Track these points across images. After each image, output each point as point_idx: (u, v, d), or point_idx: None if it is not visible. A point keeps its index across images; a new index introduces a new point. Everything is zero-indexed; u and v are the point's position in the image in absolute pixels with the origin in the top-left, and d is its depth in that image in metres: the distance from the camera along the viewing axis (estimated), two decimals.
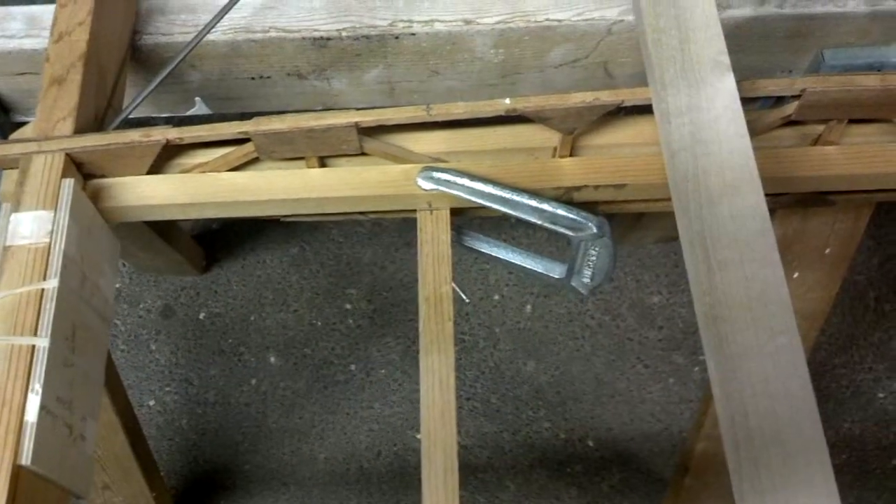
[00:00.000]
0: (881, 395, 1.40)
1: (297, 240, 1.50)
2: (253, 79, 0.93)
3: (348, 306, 1.46)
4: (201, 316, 1.46)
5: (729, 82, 0.70)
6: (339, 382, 1.42)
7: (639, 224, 1.38)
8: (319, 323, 1.45)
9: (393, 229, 1.51)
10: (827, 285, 0.99)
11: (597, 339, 1.43)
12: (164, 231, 1.26)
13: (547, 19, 0.88)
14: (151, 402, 1.42)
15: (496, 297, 1.46)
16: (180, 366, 1.44)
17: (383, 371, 1.43)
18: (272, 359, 1.44)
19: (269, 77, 0.93)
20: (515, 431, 1.39)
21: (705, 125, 0.68)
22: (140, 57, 0.90)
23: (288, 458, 1.38)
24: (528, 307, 1.45)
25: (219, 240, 1.50)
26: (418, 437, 1.38)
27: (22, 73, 0.90)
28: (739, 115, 0.68)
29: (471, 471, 1.37)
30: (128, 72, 0.89)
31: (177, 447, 1.40)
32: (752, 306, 0.63)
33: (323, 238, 1.50)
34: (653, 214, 1.33)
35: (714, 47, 0.71)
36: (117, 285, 1.47)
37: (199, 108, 0.96)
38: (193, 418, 1.41)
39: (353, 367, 1.43)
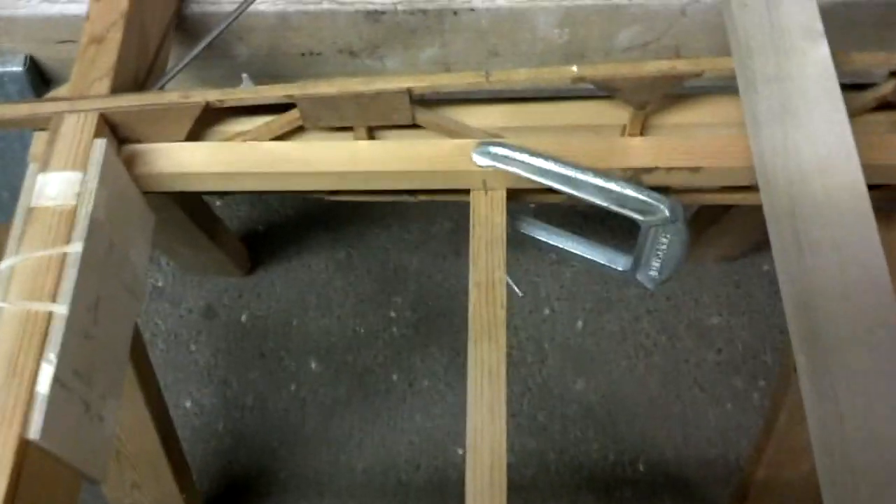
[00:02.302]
0: None
1: (343, 244, 1.43)
2: (303, 55, 0.86)
3: (393, 314, 1.39)
4: (243, 318, 1.39)
5: (823, 50, 0.61)
6: (381, 392, 1.34)
7: (700, 240, 1.29)
8: (363, 330, 1.38)
9: (442, 237, 1.43)
10: None
11: (651, 360, 1.34)
12: (209, 228, 1.20)
13: None
14: (188, 404, 1.35)
15: (546, 311, 1.37)
16: (219, 368, 1.37)
17: (426, 382, 1.34)
18: (313, 364, 1.36)
19: (319, 53, 0.86)
20: (562, 451, 1.30)
21: (796, 95, 0.60)
22: (186, 27, 0.84)
23: (325, 467, 1.30)
24: (580, 323, 1.36)
25: (264, 241, 1.44)
26: (460, 452, 1.29)
27: (64, 42, 0.84)
28: (834, 86, 0.60)
29: (514, 489, 1.27)
30: (173, 42, 0.83)
31: (211, 450, 1.32)
32: (849, 294, 0.54)
33: (370, 243, 1.43)
34: (713, 231, 1.25)
35: (806, 12, 0.63)
36: (160, 283, 1.41)
37: (246, 84, 0.90)
38: (230, 422, 1.34)
39: (395, 376, 1.35)
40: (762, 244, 1.36)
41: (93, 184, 0.66)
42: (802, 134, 0.59)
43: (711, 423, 1.30)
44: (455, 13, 0.81)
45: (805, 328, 0.55)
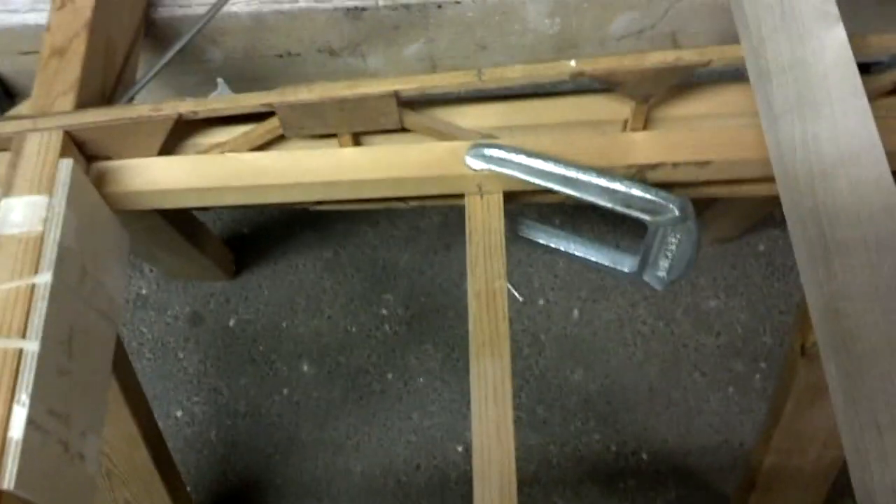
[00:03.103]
0: None
1: (330, 243, 1.37)
2: (280, 56, 0.80)
3: (385, 312, 1.33)
4: (231, 323, 1.34)
5: (839, 33, 0.56)
6: (376, 392, 1.29)
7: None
8: (354, 329, 1.32)
9: (431, 231, 1.37)
10: None
11: (650, 346, 1.29)
12: (191, 233, 1.14)
13: None
14: (179, 413, 1.29)
15: (541, 301, 1.32)
16: (209, 375, 1.31)
17: (422, 380, 1.29)
18: (305, 367, 1.31)
19: (297, 54, 0.80)
20: (563, 444, 1.25)
21: (814, 83, 0.55)
22: (155, 32, 0.78)
23: (322, 471, 1.25)
24: (576, 312, 1.31)
25: (249, 243, 1.38)
26: (460, 449, 1.24)
27: (26, 53, 0.78)
28: (853, 71, 0.55)
29: (517, 486, 1.23)
30: (142, 49, 0.77)
31: (205, 460, 1.27)
32: (883, 296, 0.49)
33: (358, 241, 1.38)
34: (711, 213, 1.20)
35: None
36: (144, 291, 1.35)
37: (222, 90, 0.84)
38: (223, 430, 1.28)
39: (389, 375, 1.30)
40: (757, 224, 1.31)
41: (60, 208, 0.60)
42: (823, 125, 0.53)
43: (713, 408, 1.26)
44: (439, 6, 0.75)
45: (835, 335, 0.50)
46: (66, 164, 0.61)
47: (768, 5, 0.58)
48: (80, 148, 0.65)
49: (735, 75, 0.64)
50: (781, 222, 1.31)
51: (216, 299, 1.35)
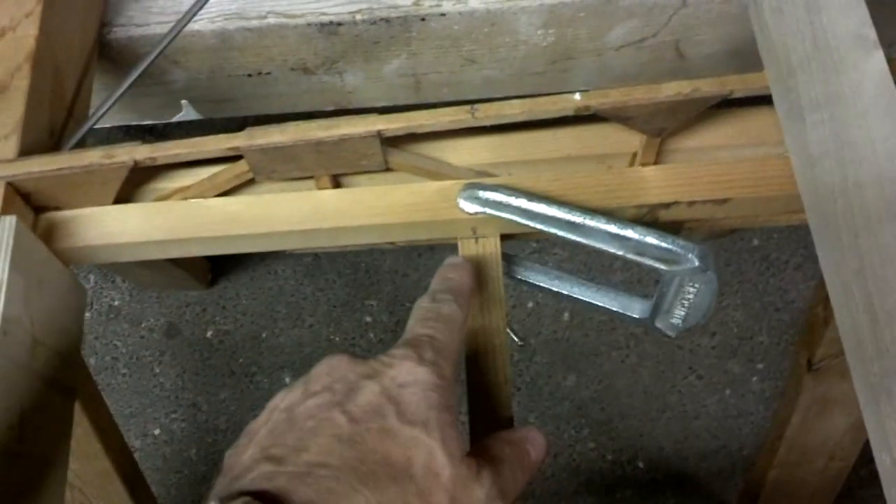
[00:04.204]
0: None
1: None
2: (250, 76, 0.72)
3: (368, 319, 1.26)
4: (209, 334, 1.26)
5: (878, 62, 0.49)
6: None
7: None
8: (337, 338, 1.25)
9: None
10: None
11: (643, 349, 1.22)
12: None
13: None
14: (157, 431, 1.22)
15: (530, 304, 1.25)
16: (187, 390, 1.24)
17: None
18: (287, 379, 1.23)
19: (268, 73, 0.72)
20: (557, 454, 1.19)
21: (852, 122, 0.47)
22: (110, 54, 0.69)
23: None
24: (566, 314, 1.24)
25: None
26: None
27: None
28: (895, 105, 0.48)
29: None
30: (95, 74, 0.68)
31: (185, 480, 1.20)
32: None
33: None
34: None
35: (854, 17, 0.50)
36: (116, 302, 1.27)
37: (187, 112, 0.75)
38: (203, 447, 1.21)
39: None
40: None
41: (3, 273, 0.52)
42: (865, 170, 0.46)
43: (710, 412, 1.20)
44: (423, 19, 0.67)
45: (887, 420, 0.43)
46: (10, 222, 0.53)
47: (798, 30, 0.50)
48: (26, 199, 0.56)
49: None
50: None
51: (192, 310, 1.27)
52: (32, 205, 0.57)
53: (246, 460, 0.41)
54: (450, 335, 0.48)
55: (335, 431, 0.41)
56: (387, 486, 0.39)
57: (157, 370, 1.24)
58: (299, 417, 0.42)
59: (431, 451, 0.41)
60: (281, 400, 0.45)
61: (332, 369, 0.45)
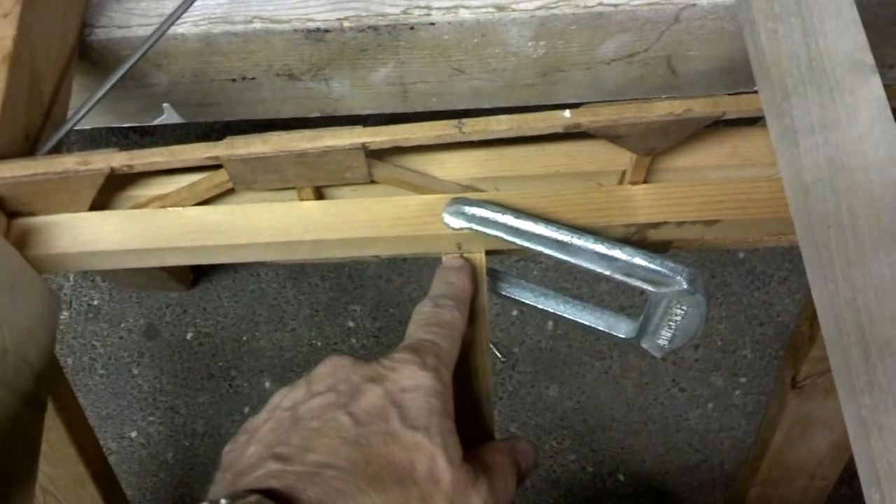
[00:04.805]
0: None
1: None
2: (234, 80, 0.70)
3: (351, 324, 1.24)
4: (188, 336, 1.24)
5: (875, 88, 0.48)
6: None
7: None
8: (319, 343, 1.23)
9: None
10: None
11: (626, 360, 1.21)
12: None
13: (600, 4, 0.65)
14: (133, 434, 1.20)
15: (514, 312, 1.24)
16: (165, 392, 1.22)
17: None
18: (267, 384, 1.22)
19: (252, 78, 0.70)
20: (538, 465, 1.18)
21: (847, 148, 0.46)
22: (91, 56, 0.67)
23: None
24: (550, 324, 1.23)
25: None
26: None
27: None
28: (893, 134, 0.47)
29: None
30: (75, 76, 0.66)
31: (162, 484, 1.18)
32: None
33: None
34: None
35: (851, 41, 0.49)
36: (96, 302, 1.25)
37: (169, 116, 0.74)
38: (180, 451, 1.19)
39: None
40: None
41: None
42: (859, 199, 0.45)
43: (692, 425, 1.19)
44: (412, 28, 0.66)
45: (878, 464, 0.42)
46: None
47: (793, 53, 0.49)
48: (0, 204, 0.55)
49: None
50: None
51: (172, 311, 1.25)
52: (6, 210, 0.55)
53: (250, 457, 0.41)
54: (451, 342, 0.49)
55: (340, 433, 0.41)
56: (391, 489, 0.39)
57: (136, 371, 1.22)
58: (303, 417, 0.42)
59: (433, 457, 0.41)
60: (283, 398, 0.45)
61: (336, 370, 0.45)
